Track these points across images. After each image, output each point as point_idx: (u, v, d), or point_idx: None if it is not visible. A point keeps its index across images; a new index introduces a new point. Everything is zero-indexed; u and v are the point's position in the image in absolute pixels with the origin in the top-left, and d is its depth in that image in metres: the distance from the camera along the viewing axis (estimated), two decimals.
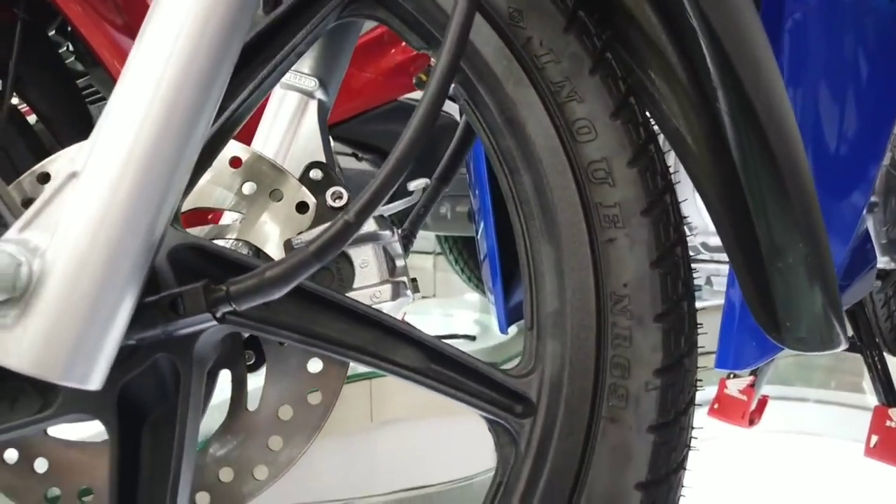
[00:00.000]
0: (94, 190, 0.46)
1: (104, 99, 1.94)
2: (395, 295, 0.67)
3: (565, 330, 0.57)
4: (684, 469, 0.55)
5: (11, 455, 0.64)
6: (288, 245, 0.68)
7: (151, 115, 0.47)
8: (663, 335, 0.55)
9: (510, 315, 1.11)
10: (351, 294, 0.69)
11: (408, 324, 0.61)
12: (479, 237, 1.17)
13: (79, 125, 1.81)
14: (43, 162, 0.67)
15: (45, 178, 0.65)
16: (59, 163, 0.66)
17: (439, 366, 0.60)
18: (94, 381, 0.46)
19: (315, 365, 0.68)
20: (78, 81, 1.85)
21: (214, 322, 0.52)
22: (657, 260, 0.56)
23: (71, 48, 1.78)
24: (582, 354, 0.56)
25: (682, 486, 0.56)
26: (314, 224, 0.69)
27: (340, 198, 0.70)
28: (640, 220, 0.57)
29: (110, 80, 1.65)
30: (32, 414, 0.58)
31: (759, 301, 0.60)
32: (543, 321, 0.59)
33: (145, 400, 0.58)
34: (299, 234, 0.70)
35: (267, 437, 0.67)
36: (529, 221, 0.61)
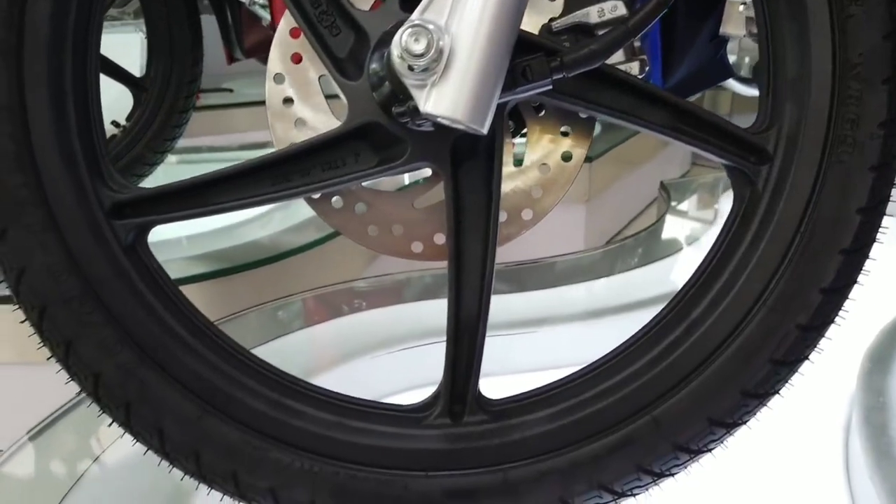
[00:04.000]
0: None
1: None
2: (641, 70, 0.80)
3: (803, 93, 0.71)
4: (889, 199, 0.72)
5: (337, 201, 0.84)
6: (546, 29, 0.81)
7: None
8: (888, 95, 0.69)
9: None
10: None
11: (658, 88, 0.76)
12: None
13: None
14: None
15: None
16: None
17: (685, 123, 0.75)
18: (485, 127, 0.62)
19: (566, 129, 0.84)
20: None
21: (549, 87, 0.67)
22: (889, 33, 0.68)
23: None
24: (817, 112, 0.70)
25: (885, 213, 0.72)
26: (565, 10, 0.81)
27: None
28: None
29: None
30: (372, 167, 0.76)
31: None
32: (781, 87, 0.73)
33: (462, 152, 0.75)
34: (552, 19, 0.82)
35: (530, 187, 0.84)
36: (772, 1, 0.72)
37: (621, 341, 0.76)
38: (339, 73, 0.73)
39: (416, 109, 0.64)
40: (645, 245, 2.06)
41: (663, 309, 0.76)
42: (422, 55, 0.59)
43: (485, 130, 0.63)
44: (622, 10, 0.78)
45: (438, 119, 0.61)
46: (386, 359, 1.36)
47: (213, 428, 0.71)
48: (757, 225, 0.73)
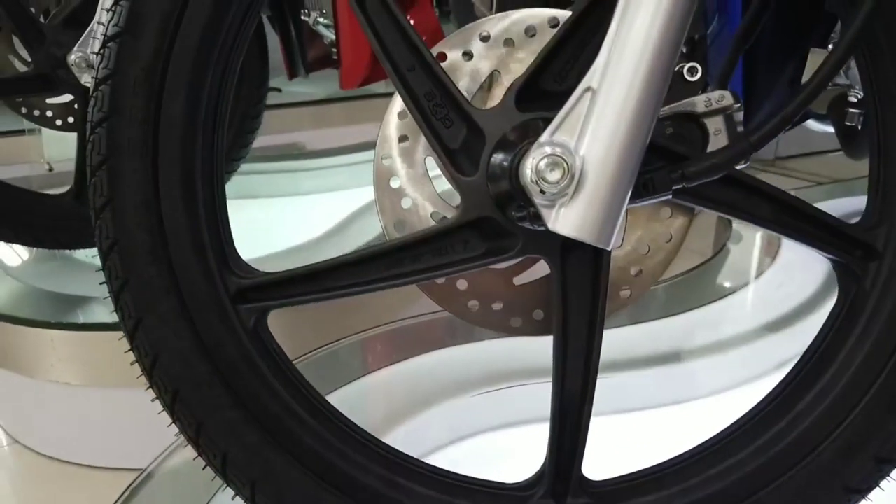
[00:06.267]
0: (609, 102, 0.61)
1: None
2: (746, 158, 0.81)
3: None
4: None
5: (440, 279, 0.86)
6: None
7: (650, 44, 0.60)
8: None
9: None
10: None
11: (766, 183, 0.77)
12: None
13: None
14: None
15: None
16: None
17: (792, 217, 0.77)
18: (612, 245, 0.64)
19: (665, 213, 0.85)
20: None
21: (669, 196, 0.69)
22: None
23: None
24: None
25: None
26: (668, 98, 0.82)
27: (695, 72, 0.82)
28: None
29: None
30: (480, 255, 0.78)
31: None
32: (892, 185, 0.73)
33: (572, 245, 0.77)
34: None
35: (629, 265, 0.86)
36: (886, 100, 0.73)
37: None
38: (452, 165, 0.75)
39: (536, 216, 0.66)
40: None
41: (766, 396, 0.78)
42: (556, 182, 0.61)
43: (611, 248, 0.65)
44: (730, 100, 0.79)
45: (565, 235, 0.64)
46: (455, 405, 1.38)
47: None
48: (864, 322, 0.74)
